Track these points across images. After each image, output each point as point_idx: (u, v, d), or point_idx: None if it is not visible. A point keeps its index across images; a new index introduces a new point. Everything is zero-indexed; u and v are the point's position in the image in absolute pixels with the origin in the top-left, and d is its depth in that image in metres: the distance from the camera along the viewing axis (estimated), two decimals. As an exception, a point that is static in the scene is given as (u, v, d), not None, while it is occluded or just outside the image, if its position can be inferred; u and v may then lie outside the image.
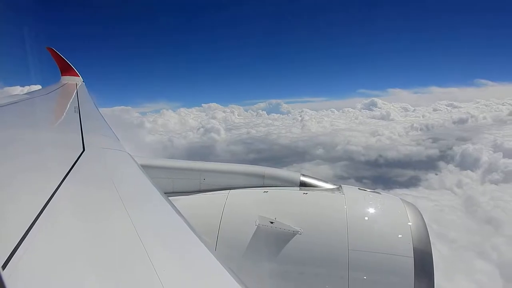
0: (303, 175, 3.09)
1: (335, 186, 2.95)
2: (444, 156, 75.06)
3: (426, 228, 2.47)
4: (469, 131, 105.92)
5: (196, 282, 1.16)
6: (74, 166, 2.03)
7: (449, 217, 37.24)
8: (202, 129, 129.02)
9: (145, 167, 2.58)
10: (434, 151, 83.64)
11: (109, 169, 2.42)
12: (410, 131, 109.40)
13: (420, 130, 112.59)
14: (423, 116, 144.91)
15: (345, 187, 2.91)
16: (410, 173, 68.62)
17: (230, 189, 3.00)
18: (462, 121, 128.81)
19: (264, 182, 3.06)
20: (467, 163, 61.97)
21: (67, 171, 1.88)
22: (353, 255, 2.32)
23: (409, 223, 2.47)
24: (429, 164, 71.31)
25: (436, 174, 62.16)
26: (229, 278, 1.19)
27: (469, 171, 58.73)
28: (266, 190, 2.93)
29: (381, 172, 74.38)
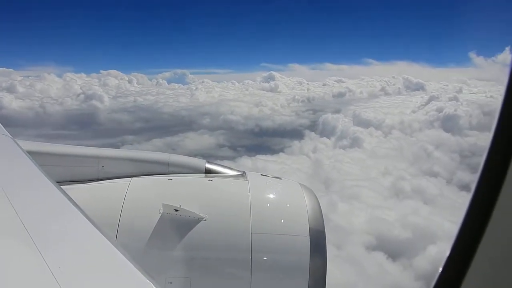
0: (208, 162, 3.15)
1: (239, 173, 3.03)
2: (312, 126, 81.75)
3: (321, 210, 2.70)
4: (343, 104, 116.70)
5: (95, 275, 1.08)
6: None
7: (287, 177, 40.69)
8: (82, 95, 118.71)
9: (32, 154, 2.42)
10: (305, 121, 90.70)
11: None
12: (291, 103, 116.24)
13: (302, 102, 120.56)
14: (307, 90, 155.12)
15: (248, 174, 3.00)
16: (280, 141, 73.28)
17: (132, 177, 2.89)
18: (340, 95, 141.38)
19: (168, 169, 3.02)
20: (326, 131, 68.70)
21: None
22: (256, 238, 2.45)
23: (306, 206, 2.66)
24: (298, 133, 76.98)
25: (299, 142, 67.48)
26: (131, 268, 1.13)
27: (325, 138, 65.29)
28: (170, 178, 2.91)
29: (256, 141, 78.02)
